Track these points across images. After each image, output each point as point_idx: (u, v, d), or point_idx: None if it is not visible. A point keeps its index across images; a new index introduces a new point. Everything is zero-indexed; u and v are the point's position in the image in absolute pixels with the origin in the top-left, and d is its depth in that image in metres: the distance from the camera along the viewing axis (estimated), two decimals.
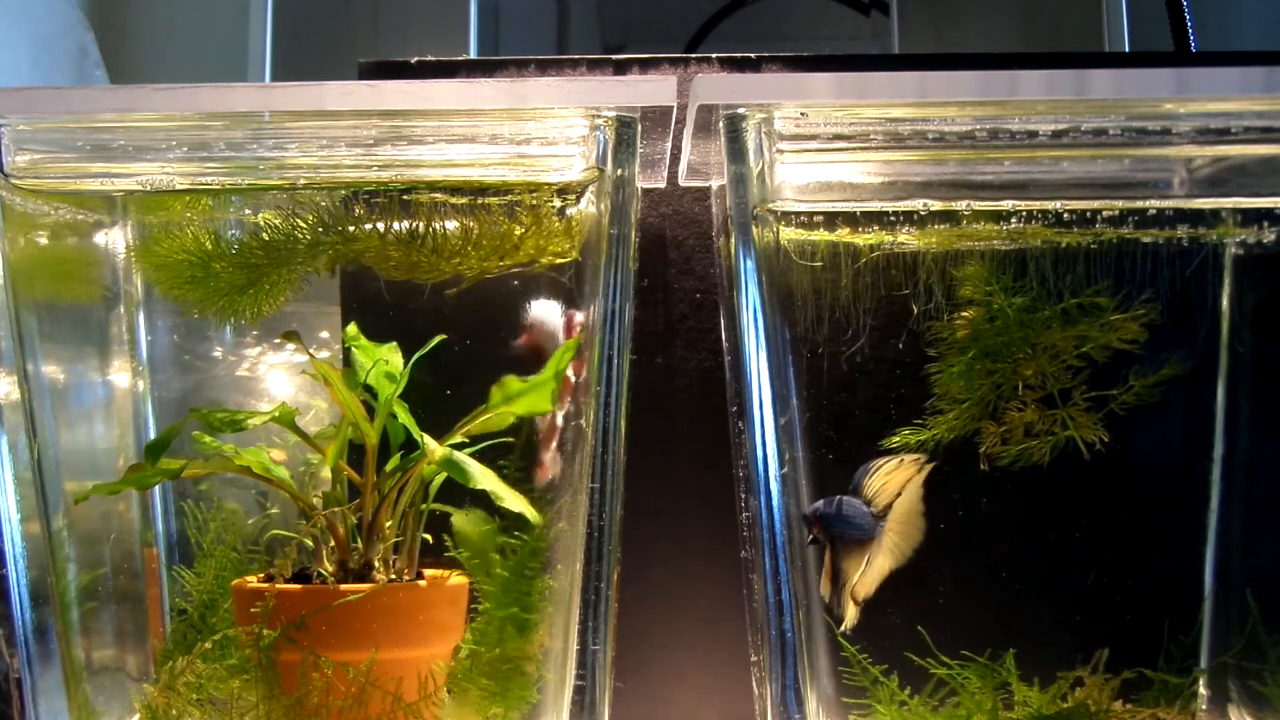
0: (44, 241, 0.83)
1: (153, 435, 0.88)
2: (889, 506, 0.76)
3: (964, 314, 0.78)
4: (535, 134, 0.77)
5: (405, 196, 0.79)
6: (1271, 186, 0.78)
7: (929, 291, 0.78)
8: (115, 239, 0.87)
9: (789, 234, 0.78)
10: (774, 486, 0.75)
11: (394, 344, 0.82)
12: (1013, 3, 1.55)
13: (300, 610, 0.73)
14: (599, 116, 0.76)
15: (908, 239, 0.78)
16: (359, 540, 0.78)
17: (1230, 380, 0.82)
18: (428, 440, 0.77)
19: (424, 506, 0.81)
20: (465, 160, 0.78)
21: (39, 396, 0.80)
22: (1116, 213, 0.78)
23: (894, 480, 0.77)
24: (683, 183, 0.92)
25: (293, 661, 0.72)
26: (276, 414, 0.77)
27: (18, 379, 0.78)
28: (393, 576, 0.78)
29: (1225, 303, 0.81)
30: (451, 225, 0.80)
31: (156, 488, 0.88)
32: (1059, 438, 0.77)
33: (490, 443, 0.81)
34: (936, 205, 0.77)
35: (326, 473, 0.79)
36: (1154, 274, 0.78)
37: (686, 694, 0.93)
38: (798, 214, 0.78)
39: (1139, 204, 0.78)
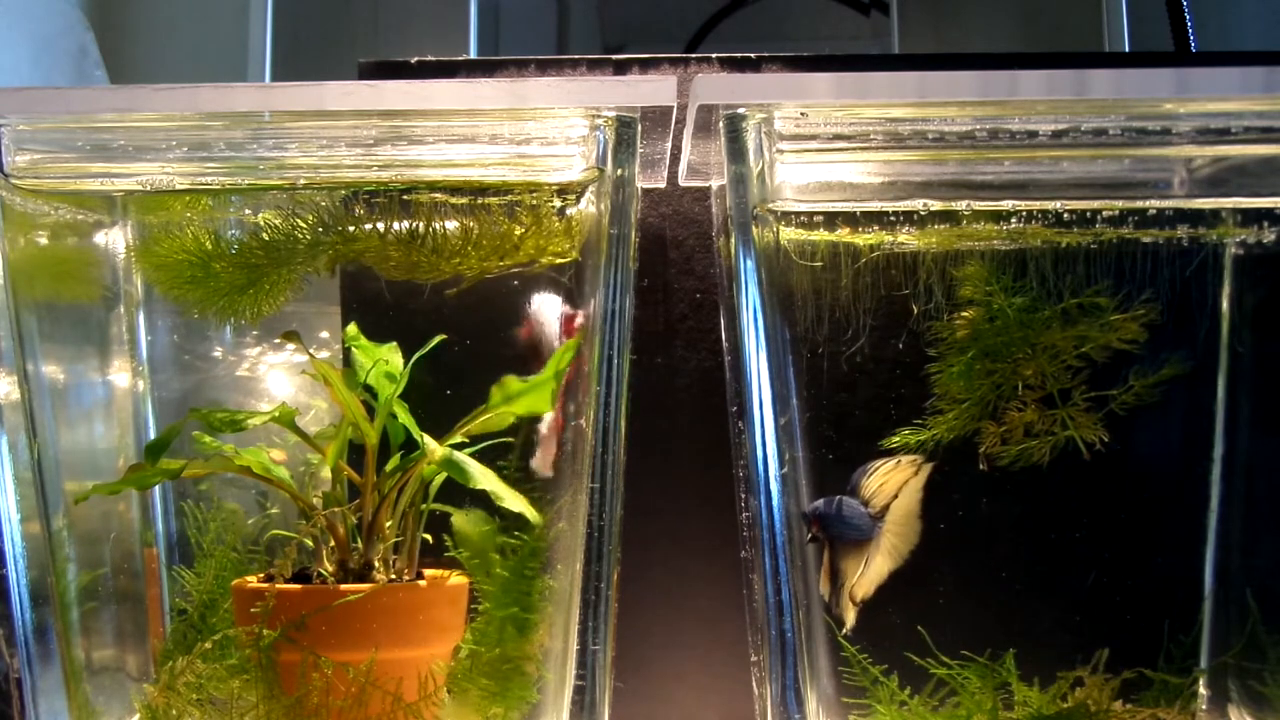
0: (44, 241, 0.83)
1: (153, 435, 0.88)
2: (886, 508, 0.76)
3: (964, 314, 0.78)
4: (535, 134, 0.77)
5: (405, 196, 0.79)
6: (1271, 186, 0.78)
7: (929, 291, 0.78)
8: (115, 239, 0.87)
9: (789, 234, 0.78)
10: (774, 486, 0.75)
11: (394, 344, 0.82)
12: (1013, 3, 1.55)
13: (300, 610, 0.73)
14: (599, 116, 0.76)
15: (908, 239, 0.78)
16: (359, 540, 0.78)
17: (1230, 380, 0.82)
18: (428, 440, 0.77)
19: (424, 506, 0.81)
20: (465, 160, 0.78)
21: (39, 396, 0.80)
22: (1116, 213, 0.78)
23: (891, 481, 0.77)
24: (683, 183, 0.92)
25: (293, 661, 0.72)
26: (276, 414, 0.77)
27: (18, 379, 0.78)
28: (393, 576, 0.78)
29: (1225, 303, 0.81)
30: (451, 225, 0.80)
31: (156, 488, 0.88)
32: (1059, 438, 0.77)
33: (490, 443, 0.81)
34: (936, 205, 0.77)
35: (326, 473, 0.79)
36: (1154, 274, 0.78)
37: (686, 694, 0.93)
38: (798, 214, 0.78)
39: (1139, 204, 0.78)
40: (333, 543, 0.78)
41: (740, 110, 0.74)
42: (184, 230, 0.82)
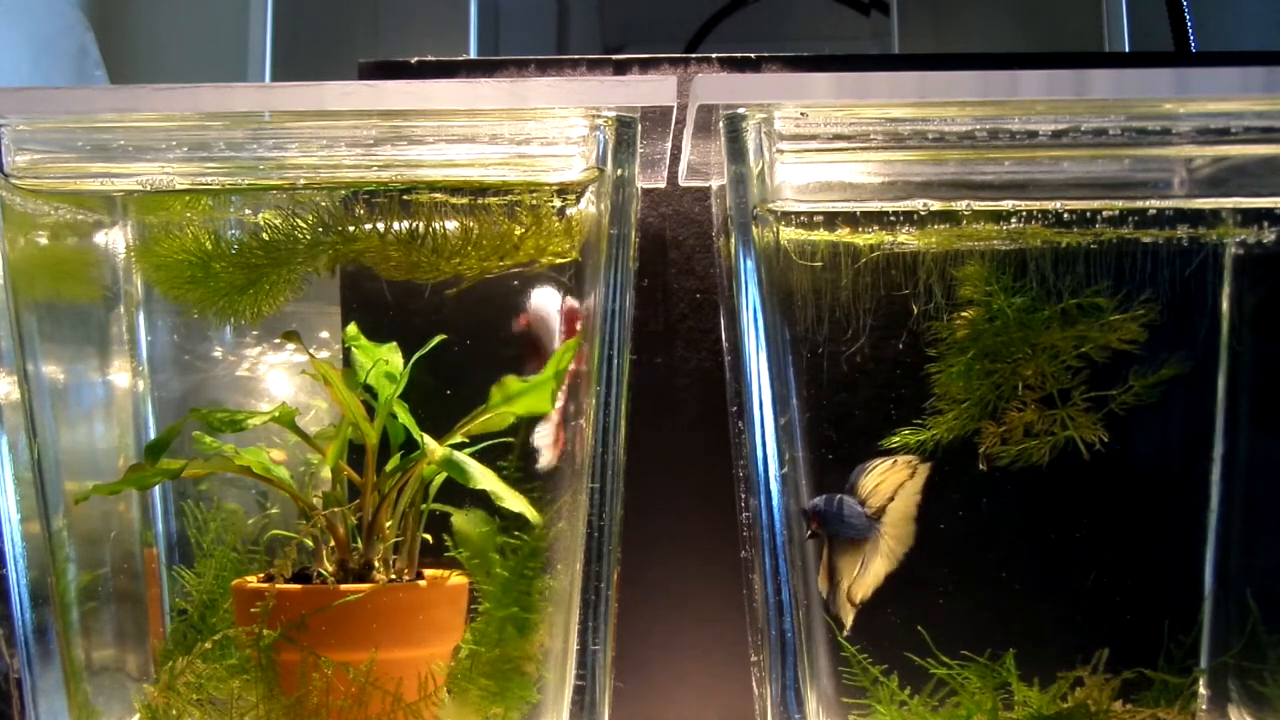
0: (44, 241, 0.83)
1: (153, 435, 0.88)
2: (883, 509, 0.76)
3: (964, 314, 0.78)
4: (535, 134, 0.77)
5: (405, 196, 0.79)
6: (1271, 186, 0.78)
7: (929, 291, 0.78)
8: (115, 239, 0.87)
9: (789, 234, 0.78)
10: (774, 486, 0.75)
11: (394, 344, 0.82)
12: (1013, 3, 1.55)
13: (300, 610, 0.73)
14: (599, 116, 0.76)
15: (908, 239, 0.78)
16: (359, 540, 0.78)
17: (1230, 380, 0.82)
18: (428, 440, 0.77)
19: (424, 506, 0.81)
20: (465, 160, 0.78)
21: (39, 396, 0.80)
22: (1116, 213, 0.78)
23: (888, 482, 0.77)
24: (683, 183, 0.92)
25: (293, 661, 0.72)
26: (276, 414, 0.77)
27: (18, 379, 0.78)
28: (393, 576, 0.78)
29: (1225, 303, 0.81)
30: (451, 225, 0.80)
31: (156, 488, 0.88)
32: (1058, 438, 0.77)
33: (490, 443, 0.81)
34: (936, 205, 0.77)
35: (326, 473, 0.79)
36: (1154, 274, 0.78)
37: (686, 694, 0.93)
38: (798, 214, 0.78)
39: (1139, 204, 0.78)
40: (333, 543, 0.78)
41: (740, 110, 0.74)
42: (184, 230, 0.82)
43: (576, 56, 0.98)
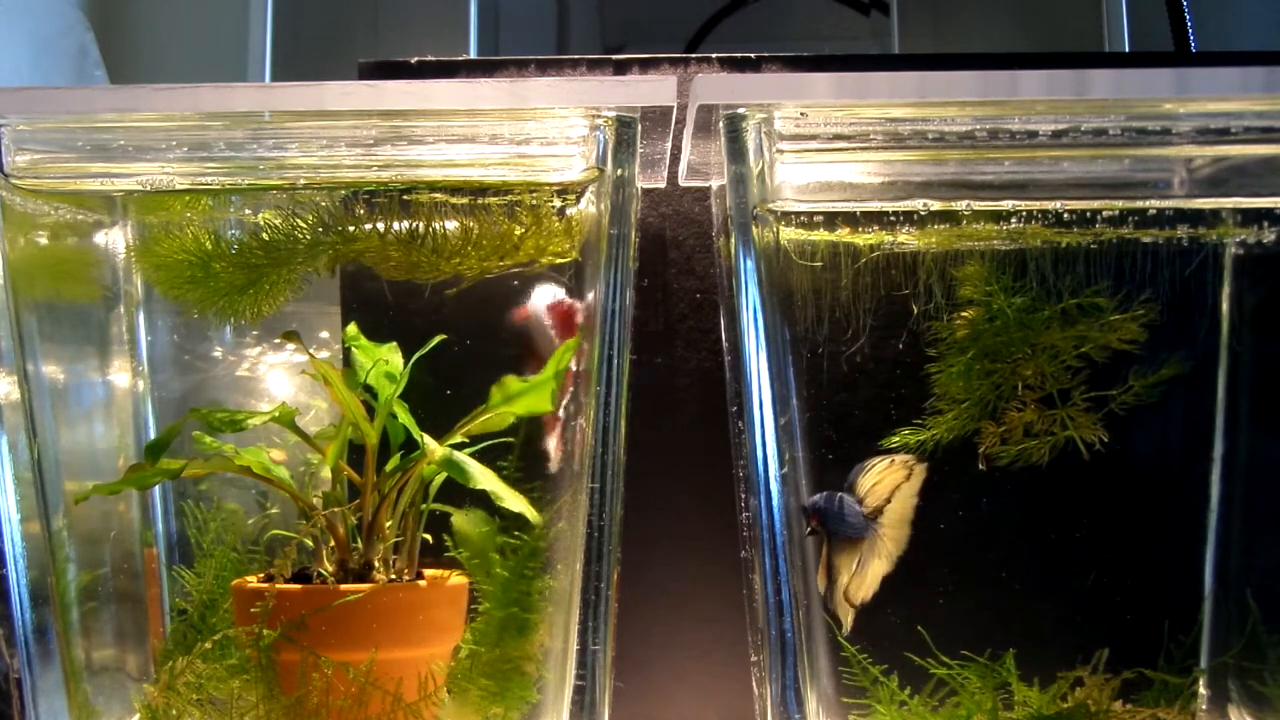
0: (44, 241, 0.83)
1: (153, 435, 0.88)
2: (880, 509, 0.76)
3: (964, 314, 0.78)
4: (535, 134, 0.77)
5: (405, 196, 0.79)
6: (1271, 186, 0.78)
7: (929, 291, 0.78)
8: (115, 239, 0.87)
9: (789, 234, 0.78)
10: (774, 486, 0.75)
11: (394, 344, 0.82)
12: (1013, 3, 1.55)
13: (300, 610, 0.73)
14: (599, 116, 0.76)
15: (908, 239, 0.78)
16: (359, 540, 0.78)
17: (1230, 380, 0.82)
18: (428, 440, 0.77)
19: (424, 506, 0.81)
20: (465, 160, 0.78)
21: (39, 396, 0.80)
22: (1116, 213, 0.78)
23: (885, 481, 0.77)
24: (683, 183, 0.92)
25: (293, 661, 0.72)
26: (276, 414, 0.77)
27: (18, 379, 0.78)
28: (393, 576, 0.78)
29: (1225, 303, 0.81)
30: (451, 225, 0.80)
31: (156, 488, 0.88)
32: (1058, 438, 0.77)
33: (490, 443, 0.81)
34: (936, 205, 0.77)
35: (326, 473, 0.79)
36: (1154, 274, 0.78)
37: (686, 694, 0.93)
38: (798, 214, 0.78)
39: (1139, 204, 0.78)
40: (333, 543, 0.78)
41: (740, 110, 0.74)
42: (184, 230, 0.82)
43: (576, 56, 0.98)
